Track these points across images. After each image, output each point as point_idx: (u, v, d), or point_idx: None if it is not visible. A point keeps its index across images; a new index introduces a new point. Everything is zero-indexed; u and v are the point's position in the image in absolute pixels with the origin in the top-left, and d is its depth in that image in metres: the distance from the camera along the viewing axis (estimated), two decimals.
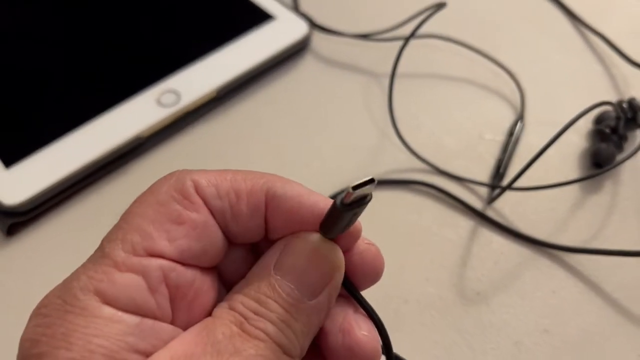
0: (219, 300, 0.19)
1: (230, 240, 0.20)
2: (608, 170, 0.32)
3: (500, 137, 0.36)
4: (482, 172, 0.34)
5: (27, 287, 0.30)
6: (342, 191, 0.18)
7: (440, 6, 0.34)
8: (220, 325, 0.17)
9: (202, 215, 0.18)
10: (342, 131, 0.36)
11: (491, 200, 0.32)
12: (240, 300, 0.18)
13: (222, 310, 0.18)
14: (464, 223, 0.32)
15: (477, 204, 0.33)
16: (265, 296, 0.18)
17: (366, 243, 0.21)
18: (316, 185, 0.33)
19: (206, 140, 0.35)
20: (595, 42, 0.41)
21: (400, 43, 0.37)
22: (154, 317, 0.17)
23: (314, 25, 0.40)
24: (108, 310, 0.17)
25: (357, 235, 0.20)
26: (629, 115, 0.34)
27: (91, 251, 0.32)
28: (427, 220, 0.32)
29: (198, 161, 0.34)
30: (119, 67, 0.36)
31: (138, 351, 0.16)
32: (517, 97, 0.38)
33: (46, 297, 0.17)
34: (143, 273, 0.17)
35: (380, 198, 0.33)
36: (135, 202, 0.19)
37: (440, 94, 0.38)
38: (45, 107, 0.34)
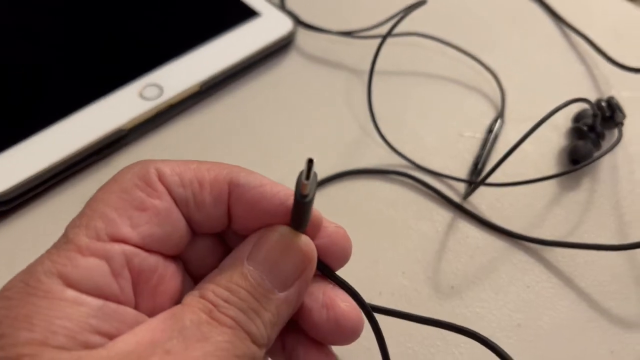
0: (183, 288, 0.20)
1: (193, 229, 0.20)
2: (585, 166, 0.33)
3: (479, 135, 0.36)
4: (461, 169, 0.34)
5: (8, 274, 0.30)
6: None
7: (419, 4, 0.34)
8: (188, 313, 0.18)
9: (165, 203, 0.19)
10: (323, 127, 0.36)
11: (467, 194, 0.33)
12: (212, 289, 0.19)
13: (191, 298, 0.19)
14: (441, 217, 0.32)
15: (454, 199, 0.33)
16: (237, 285, 0.18)
17: (334, 226, 0.21)
18: (294, 181, 0.33)
19: (189, 133, 0.35)
20: (577, 42, 0.41)
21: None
22: (117, 301, 0.18)
23: (298, 22, 0.40)
24: (71, 293, 0.17)
25: (319, 222, 0.20)
26: (607, 113, 0.34)
27: None
28: (404, 214, 0.32)
29: (180, 154, 0.34)
30: (102, 61, 0.36)
31: (100, 333, 0.17)
32: (497, 95, 0.38)
33: (10, 281, 0.17)
34: (106, 257, 0.18)
35: (357, 189, 0.33)
36: (99, 190, 0.19)
37: (421, 91, 0.38)
38: (29, 99, 0.34)
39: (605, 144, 0.35)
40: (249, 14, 0.39)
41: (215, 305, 0.18)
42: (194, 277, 0.21)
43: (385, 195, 0.33)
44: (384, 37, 0.34)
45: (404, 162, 0.34)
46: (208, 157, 0.34)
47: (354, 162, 0.34)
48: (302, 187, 0.17)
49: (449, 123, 0.36)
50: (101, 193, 0.19)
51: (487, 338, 0.23)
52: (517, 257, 0.31)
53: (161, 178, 0.19)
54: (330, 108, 0.37)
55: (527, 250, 0.31)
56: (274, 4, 0.40)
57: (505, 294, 0.30)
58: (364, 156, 0.35)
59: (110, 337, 0.17)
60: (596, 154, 0.33)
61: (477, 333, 0.24)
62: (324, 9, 0.42)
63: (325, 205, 0.33)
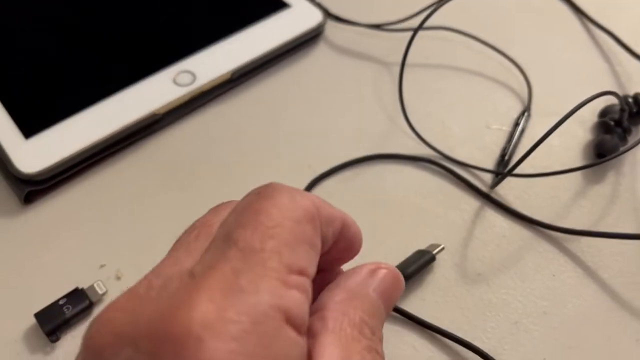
0: None
1: None
2: (611, 159, 0.33)
3: (506, 128, 0.37)
4: (488, 160, 0.35)
5: (41, 253, 0.31)
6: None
7: None
8: (355, 353, 0.17)
9: (320, 241, 0.18)
10: (352, 117, 0.37)
11: (494, 184, 0.33)
12: (363, 320, 0.19)
13: (347, 332, 0.18)
14: (468, 206, 0.33)
15: (481, 189, 0.33)
16: (369, 316, 0.19)
17: (355, 225, 0.22)
18: (325, 166, 0.34)
19: (219, 120, 0.36)
20: (602, 38, 0.41)
21: (411, 34, 0.38)
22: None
23: (328, 14, 0.41)
24: (293, 335, 0.16)
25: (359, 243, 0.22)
26: (634, 109, 0.35)
27: (105, 221, 0.34)
28: (432, 202, 0.33)
29: (211, 139, 0.35)
30: (138, 47, 0.37)
31: None
32: (524, 89, 0.38)
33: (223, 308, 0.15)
34: (306, 292, 0.16)
35: (386, 175, 0.34)
36: (255, 204, 0.17)
37: (448, 84, 0.39)
38: (66, 82, 0.35)
39: (631, 139, 0.35)
40: (280, 5, 0.40)
41: (369, 340, 0.18)
42: None
43: (414, 182, 0.34)
44: (416, 30, 0.35)
45: (432, 152, 0.35)
46: (238, 144, 0.35)
47: (382, 151, 0.35)
48: None
49: (476, 115, 0.37)
50: (274, 215, 0.17)
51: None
52: (542, 247, 0.32)
53: (319, 214, 0.18)
54: (359, 99, 0.38)
55: (552, 241, 0.32)
56: None
57: (531, 281, 0.30)
58: (393, 145, 0.35)
59: None
60: (622, 149, 0.34)
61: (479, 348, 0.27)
62: (353, 1, 0.42)
63: (354, 188, 0.33)
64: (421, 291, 0.30)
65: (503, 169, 0.34)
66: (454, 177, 0.34)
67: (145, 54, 0.37)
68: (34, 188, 0.32)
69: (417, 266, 0.29)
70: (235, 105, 0.37)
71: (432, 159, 0.34)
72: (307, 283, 0.17)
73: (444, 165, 0.34)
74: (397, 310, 0.29)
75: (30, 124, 0.33)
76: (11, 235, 0.31)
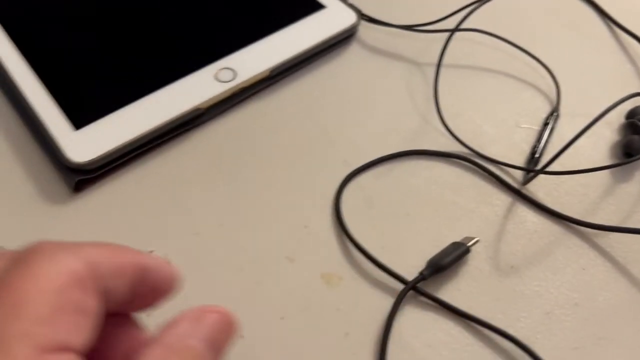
0: None
1: None
2: (639, 159, 0.34)
3: (535, 127, 0.38)
4: (517, 158, 0.36)
5: (91, 238, 0.32)
6: None
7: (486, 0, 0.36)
8: None
9: (99, 302, 0.17)
10: (385, 114, 0.38)
11: (526, 181, 0.34)
12: None
13: None
14: (500, 202, 0.34)
15: (512, 185, 0.35)
16: None
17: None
18: (360, 162, 0.35)
19: (258, 116, 0.37)
20: (628, 41, 0.42)
21: (442, 35, 0.39)
22: None
23: (361, 15, 0.42)
24: None
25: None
26: None
27: (151, 210, 0.35)
28: (465, 197, 0.34)
29: (250, 134, 0.36)
30: (183, 44, 0.39)
31: None
32: (552, 91, 0.40)
33: None
34: None
35: (420, 171, 0.35)
36: (17, 281, 0.15)
37: (479, 84, 0.40)
38: (114, 77, 0.37)
39: None
40: (316, 6, 0.41)
41: None
42: None
43: (446, 178, 0.35)
44: (453, 31, 0.36)
45: (463, 149, 0.36)
46: (276, 138, 0.36)
47: (415, 147, 0.36)
48: None
49: (506, 115, 0.38)
50: (26, 289, 0.15)
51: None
52: (572, 242, 0.33)
53: (95, 272, 0.17)
54: (391, 97, 0.39)
55: (582, 236, 0.33)
56: None
57: (562, 274, 0.32)
58: (425, 142, 0.36)
59: None
60: None
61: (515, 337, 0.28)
62: (385, 3, 0.44)
63: (388, 183, 0.35)
64: (457, 282, 0.31)
65: (533, 166, 0.35)
66: (486, 174, 0.35)
67: (190, 52, 0.38)
68: (84, 177, 0.33)
69: (454, 257, 0.31)
70: (273, 101, 0.38)
71: (464, 155, 0.36)
72: (71, 357, 0.15)
73: (475, 162, 0.35)
74: (435, 299, 0.30)
75: (80, 116, 0.34)
76: (62, 221, 0.32)
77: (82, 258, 0.16)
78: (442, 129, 0.37)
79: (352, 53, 0.41)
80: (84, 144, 0.33)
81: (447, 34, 0.39)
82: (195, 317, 0.19)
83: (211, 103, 0.36)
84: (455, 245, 0.31)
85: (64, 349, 0.15)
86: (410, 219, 0.33)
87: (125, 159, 0.34)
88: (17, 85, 0.35)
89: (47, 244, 0.17)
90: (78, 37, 0.39)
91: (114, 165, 0.34)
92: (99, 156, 0.33)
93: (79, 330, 0.16)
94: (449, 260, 0.30)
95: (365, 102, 0.39)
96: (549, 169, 0.33)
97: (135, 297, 0.19)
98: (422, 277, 0.30)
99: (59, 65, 0.37)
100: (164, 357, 0.17)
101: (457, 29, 0.36)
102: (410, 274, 0.31)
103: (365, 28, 0.42)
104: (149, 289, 0.19)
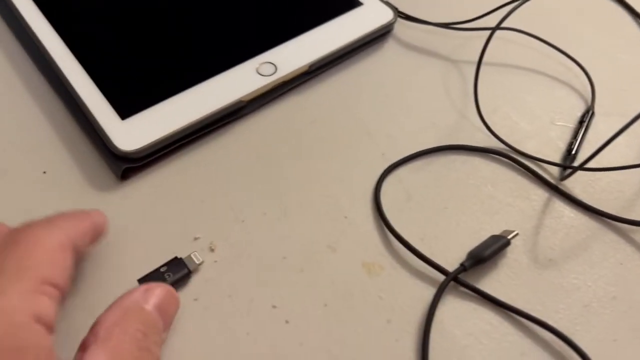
0: None
1: None
2: None
3: (570, 125, 0.38)
4: (553, 154, 0.37)
5: (138, 225, 0.33)
6: None
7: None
8: (126, 353, 0.23)
9: (71, 258, 0.25)
10: (422, 110, 0.39)
11: (563, 177, 0.35)
12: (138, 329, 0.24)
13: (119, 338, 0.23)
14: (537, 197, 0.35)
15: (550, 180, 0.35)
16: (148, 327, 0.25)
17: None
18: (398, 155, 0.36)
19: (297, 109, 0.38)
20: None
21: (477, 33, 0.40)
22: None
23: (398, 12, 0.43)
24: (41, 330, 0.21)
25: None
26: None
27: (196, 198, 0.36)
28: (502, 192, 0.35)
29: (289, 127, 0.37)
30: (226, 39, 0.40)
31: None
32: (587, 90, 0.40)
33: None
34: (56, 299, 0.23)
35: (458, 165, 0.36)
36: (27, 243, 0.24)
37: (514, 81, 0.40)
38: (159, 69, 0.38)
39: None
40: (354, 3, 0.42)
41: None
42: None
43: (484, 173, 0.36)
44: (494, 30, 0.37)
45: (499, 145, 0.37)
46: (316, 131, 0.37)
47: (451, 142, 0.37)
48: None
49: (541, 112, 0.39)
50: (33, 247, 0.23)
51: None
52: (609, 237, 0.33)
53: (70, 239, 0.25)
54: (427, 93, 0.39)
55: (619, 232, 0.33)
56: None
57: (599, 268, 0.32)
58: (461, 137, 0.37)
59: None
60: None
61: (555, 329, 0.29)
62: (421, 1, 0.44)
63: (425, 177, 0.35)
64: (497, 273, 0.32)
65: (570, 163, 0.36)
66: (522, 169, 0.36)
67: (232, 46, 0.39)
68: (130, 165, 0.34)
69: (494, 249, 0.31)
70: (312, 95, 0.39)
71: (501, 151, 0.36)
72: (57, 293, 0.23)
73: (513, 157, 0.36)
74: (475, 290, 0.30)
75: (126, 107, 0.35)
76: (110, 208, 0.33)
77: (64, 231, 0.25)
78: (478, 125, 0.37)
79: (388, 50, 0.42)
80: (131, 134, 0.34)
81: (481, 32, 0.40)
82: (145, 288, 0.26)
83: (253, 96, 0.37)
84: (495, 238, 0.32)
85: (54, 285, 0.23)
86: (449, 212, 0.34)
87: (170, 149, 0.35)
88: (65, 77, 0.36)
89: (37, 222, 0.25)
90: (125, 31, 0.40)
91: (159, 154, 0.35)
92: (145, 145, 0.34)
93: (63, 276, 0.23)
94: (489, 252, 0.31)
95: (401, 97, 0.39)
96: (586, 165, 0.34)
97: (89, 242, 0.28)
98: (464, 268, 0.31)
99: (107, 59, 0.38)
100: (122, 315, 0.24)
101: (498, 27, 0.37)
102: (448, 265, 0.31)
103: (401, 25, 0.43)
104: (96, 235, 0.28)
